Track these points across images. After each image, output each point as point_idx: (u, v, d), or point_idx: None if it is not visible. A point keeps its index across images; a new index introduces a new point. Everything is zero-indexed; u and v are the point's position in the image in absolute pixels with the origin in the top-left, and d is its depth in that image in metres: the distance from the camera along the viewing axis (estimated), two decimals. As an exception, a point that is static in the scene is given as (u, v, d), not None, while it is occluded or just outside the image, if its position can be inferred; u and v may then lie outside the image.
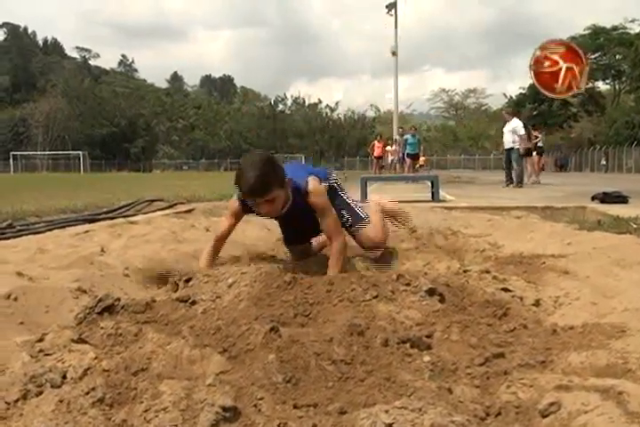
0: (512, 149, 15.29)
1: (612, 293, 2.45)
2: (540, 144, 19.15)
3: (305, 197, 3.02)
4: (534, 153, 18.25)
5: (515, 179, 15.13)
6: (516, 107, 44.89)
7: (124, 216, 6.30)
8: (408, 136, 23.65)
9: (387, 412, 1.27)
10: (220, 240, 3.19)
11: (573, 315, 2.23)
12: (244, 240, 4.22)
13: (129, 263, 3.25)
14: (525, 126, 16.43)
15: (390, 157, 25.65)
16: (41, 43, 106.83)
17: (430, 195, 9.58)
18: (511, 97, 61.40)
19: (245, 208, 3.08)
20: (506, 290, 2.53)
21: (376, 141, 28.19)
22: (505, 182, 15.60)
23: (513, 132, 15.26)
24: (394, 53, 31.74)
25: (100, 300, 2.14)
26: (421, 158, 26.44)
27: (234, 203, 3.15)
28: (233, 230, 3.23)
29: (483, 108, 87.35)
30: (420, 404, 1.29)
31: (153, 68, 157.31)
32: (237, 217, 3.17)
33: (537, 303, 2.42)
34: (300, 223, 3.33)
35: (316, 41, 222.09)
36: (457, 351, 1.78)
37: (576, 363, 1.63)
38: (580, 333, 1.94)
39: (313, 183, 3.05)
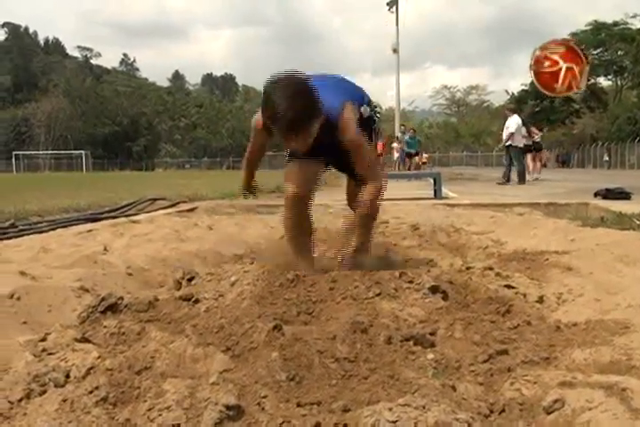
0: (510, 146, 15.08)
1: (615, 289, 2.45)
2: (537, 140, 18.99)
3: (335, 131, 2.60)
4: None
5: (516, 177, 14.74)
6: (518, 104, 44.69)
7: (127, 215, 6.31)
8: (406, 137, 23.95)
9: (390, 410, 1.27)
10: (254, 155, 3.23)
11: (577, 311, 2.23)
12: (246, 239, 4.21)
13: (131, 262, 3.25)
14: (525, 124, 16.28)
15: (396, 155, 25.66)
16: (42, 42, 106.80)
17: (433, 192, 9.57)
18: (513, 93, 61.21)
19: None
20: (509, 287, 2.52)
21: None
22: (501, 179, 15.16)
23: (506, 128, 15.11)
24: (395, 51, 31.71)
25: (102, 299, 2.14)
26: (424, 155, 26.48)
27: (258, 123, 2.73)
28: (266, 146, 3.12)
29: (485, 104, 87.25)
30: (423, 401, 1.29)
31: (154, 66, 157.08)
32: (264, 134, 2.81)
33: (540, 300, 2.42)
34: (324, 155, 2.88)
35: (317, 39, 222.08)
36: (460, 349, 1.78)
37: (580, 359, 1.63)
38: (584, 329, 1.94)
39: (347, 113, 2.62)
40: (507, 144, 15.13)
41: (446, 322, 1.99)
